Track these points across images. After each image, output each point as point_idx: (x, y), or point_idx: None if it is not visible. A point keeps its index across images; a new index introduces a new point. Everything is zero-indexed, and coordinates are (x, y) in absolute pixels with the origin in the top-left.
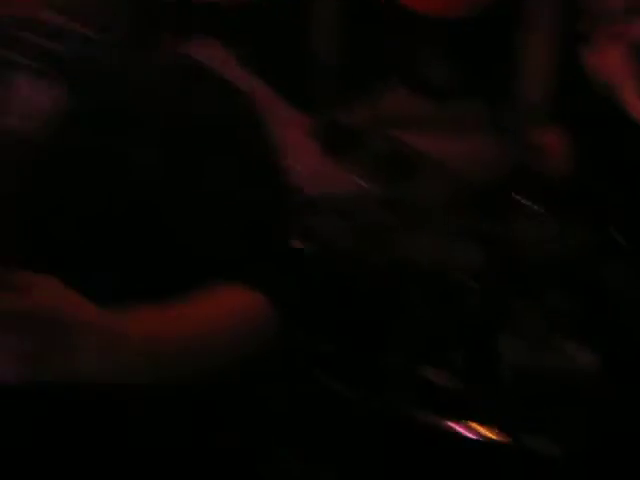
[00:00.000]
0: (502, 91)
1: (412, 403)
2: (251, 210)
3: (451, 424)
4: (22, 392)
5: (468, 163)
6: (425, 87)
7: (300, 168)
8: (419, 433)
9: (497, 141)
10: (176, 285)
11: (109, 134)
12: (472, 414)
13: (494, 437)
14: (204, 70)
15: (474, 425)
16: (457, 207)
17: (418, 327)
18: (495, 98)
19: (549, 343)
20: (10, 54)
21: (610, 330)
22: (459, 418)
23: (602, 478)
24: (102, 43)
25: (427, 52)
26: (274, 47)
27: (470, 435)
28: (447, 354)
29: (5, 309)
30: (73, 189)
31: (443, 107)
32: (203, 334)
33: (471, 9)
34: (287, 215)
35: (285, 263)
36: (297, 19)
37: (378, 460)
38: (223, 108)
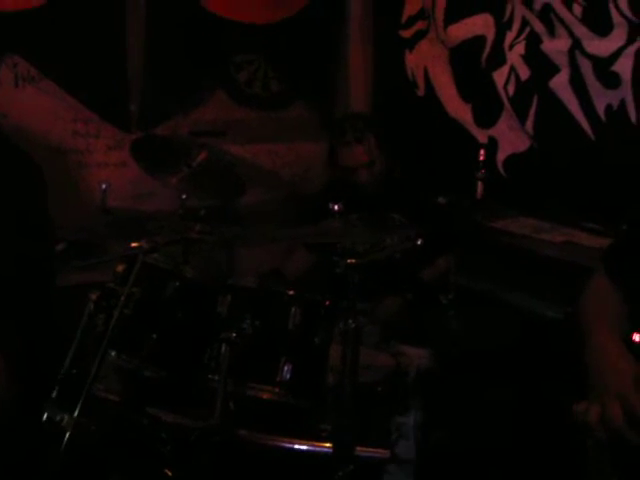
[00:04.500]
0: (327, 96)
1: (241, 423)
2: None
3: (284, 441)
4: None
5: (294, 172)
6: (245, 95)
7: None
8: (252, 453)
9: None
10: None
11: None
12: (304, 428)
13: (327, 450)
14: None
15: (307, 441)
16: (284, 216)
17: (242, 343)
18: (320, 103)
19: (384, 346)
20: None
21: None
22: (291, 434)
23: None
24: None
25: (241, 59)
26: (86, 66)
27: (303, 449)
28: (274, 369)
29: None
30: None
31: (266, 114)
32: None
33: (282, 14)
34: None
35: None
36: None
37: None
38: None
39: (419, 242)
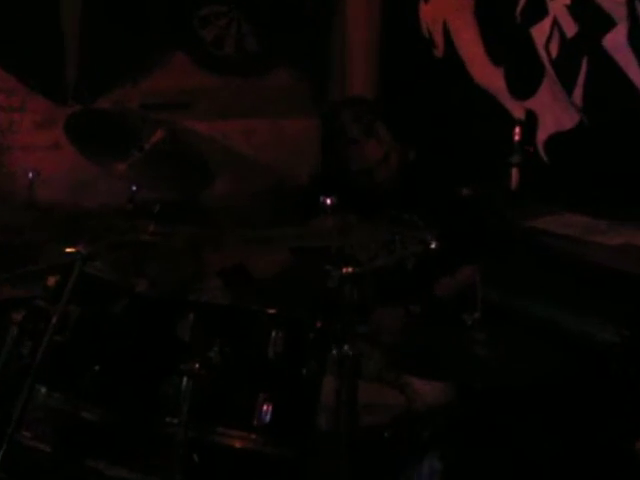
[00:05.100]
0: (319, 58)
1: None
2: None
3: None
4: None
5: (277, 156)
6: (212, 57)
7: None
8: None
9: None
10: None
11: None
12: None
13: None
14: None
15: None
16: (263, 214)
17: (208, 376)
18: (310, 68)
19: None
20: None
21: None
22: None
23: None
24: None
25: (208, 12)
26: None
27: None
28: (250, 409)
29: None
30: None
31: (241, 82)
32: None
33: None
34: None
35: None
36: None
37: None
38: None
39: (434, 246)
